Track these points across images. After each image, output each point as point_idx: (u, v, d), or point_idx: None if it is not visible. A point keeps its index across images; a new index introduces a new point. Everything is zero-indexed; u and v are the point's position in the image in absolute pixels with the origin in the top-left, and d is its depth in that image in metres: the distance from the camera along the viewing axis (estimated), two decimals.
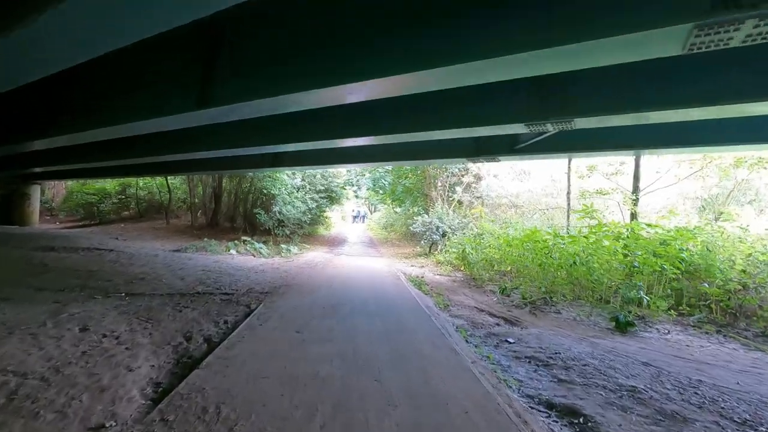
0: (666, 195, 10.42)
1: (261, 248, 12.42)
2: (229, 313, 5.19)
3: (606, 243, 6.92)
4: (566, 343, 4.70)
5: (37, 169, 13.52)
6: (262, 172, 12.91)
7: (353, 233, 23.21)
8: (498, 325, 5.62)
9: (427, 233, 12.21)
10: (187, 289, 6.54)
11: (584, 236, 7.20)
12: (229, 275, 7.99)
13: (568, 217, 10.35)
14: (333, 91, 3.44)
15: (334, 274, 8.54)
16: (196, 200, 20.71)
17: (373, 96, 3.99)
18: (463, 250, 8.81)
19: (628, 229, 7.51)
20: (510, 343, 4.71)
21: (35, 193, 20.68)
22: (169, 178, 23.42)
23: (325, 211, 17.88)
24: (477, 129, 5.29)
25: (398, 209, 25.75)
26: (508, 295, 7.07)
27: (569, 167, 10.50)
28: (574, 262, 6.63)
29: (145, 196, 24.74)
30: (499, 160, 8.50)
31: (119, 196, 24.07)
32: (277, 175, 14.24)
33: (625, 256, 6.87)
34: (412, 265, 10.51)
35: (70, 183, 25.40)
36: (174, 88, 4.19)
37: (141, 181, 24.12)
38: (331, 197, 16.56)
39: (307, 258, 11.63)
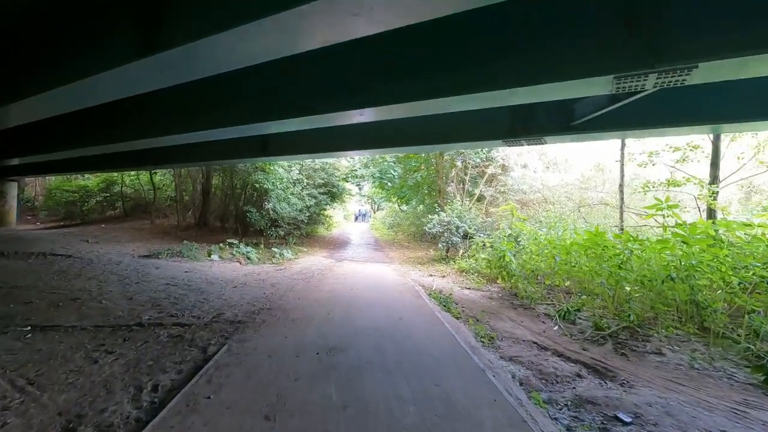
0: (745, 185, 8.46)
1: (249, 252, 10.56)
2: (170, 366, 3.33)
3: (696, 250, 5.01)
4: (719, 422, 2.82)
5: (14, 161, 11.71)
6: (252, 162, 11.04)
7: (356, 234, 21.33)
8: (580, 376, 3.71)
9: (445, 234, 10.32)
10: (129, 317, 4.68)
11: (671, 241, 5.28)
12: (197, 292, 6.12)
13: (622, 215, 8.42)
14: None
15: (334, 290, 6.65)
16: (185, 198, 18.91)
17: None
18: (501, 257, 6.90)
19: (719, 230, 5.59)
20: (626, 423, 2.82)
21: (11, 190, 18.94)
22: (154, 174, 21.68)
23: (325, 209, 16.02)
24: (525, 92, 3.61)
25: (404, 207, 23.87)
26: (573, 322, 5.16)
27: (623, 153, 8.58)
28: (669, 277, 4.71)
29: (132, 194, 23.01)
30: (545, 142, 6.60)
31: (104, 195, 22.35)
32: (271, 167, 12.37)
33: (732, 268, 4.94)
34: (430, 274, 8.62)
35: (51, 181, 23.70)
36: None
37: (127, 179, 22.39)
38: (332, 193, 14.67)
39: (303, 265, 9.76)
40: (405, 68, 4.23)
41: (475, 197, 11.93)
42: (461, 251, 9.94)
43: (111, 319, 4.58)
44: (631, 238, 5.62)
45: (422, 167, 13.79)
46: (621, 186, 8.52)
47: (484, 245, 8.67)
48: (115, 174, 22.09)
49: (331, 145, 7.29)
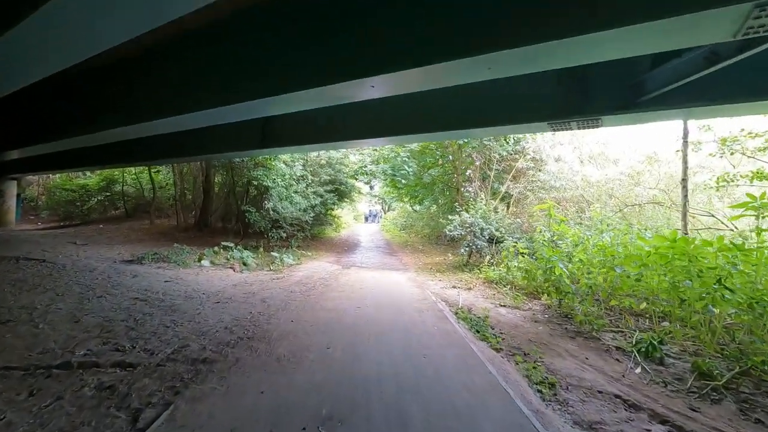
0: None
1: (246, 257, 9.37)
2: None
3: None
4: None
5: (14, 154, 10.78)
6: (250, 155, 9.85)
7: (366, 235, 20.07)
8: None
9: (468, 238, 8.96)
10: (59, 350, 3.48)
11: None
12: (167, 311, 4.92)
13: (685, 216, 6.95)
14: None
15: (338, 309, 5.37)
16: (187, 197, 17.93)
17: None
18: (548, 269, 5.52)
19: None
20: None
21: (10, 189, 18.24)
22: (156, 172, 20.80)
23: (332, 209, 14.79)
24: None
25: (417, 207, 22.52)
26: (660, 361, 3.77)
27: (685, 141, 7.11)
28: None
29: (133, 193, 22.21)
30: (600, 124, 5.25)
31: (105, 194, 21.62)
32: (273, 162, 11.19)
33: None
34: (453, 286, 7.27)
35: (54, 180, 23.07)
36: None
37: (128, 177, 21.61)
38: (340, 191, 13.42)
39: (305, 272, 8.52)
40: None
41: (500, 195, 10.54)
42: (487, 257, 8.56)
43: (34, 354, 3.38)
44: (732, 246, 4.20)
45: (439, 162, 12.45)
46: (684, 181, 7.04)
47: (517, 252, 7.30)
48: (116, 172, 21.35)
49: (338, 132, 6.03)
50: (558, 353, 4.05)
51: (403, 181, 11.47)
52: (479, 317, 5.12)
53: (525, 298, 6.14)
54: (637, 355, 3.87)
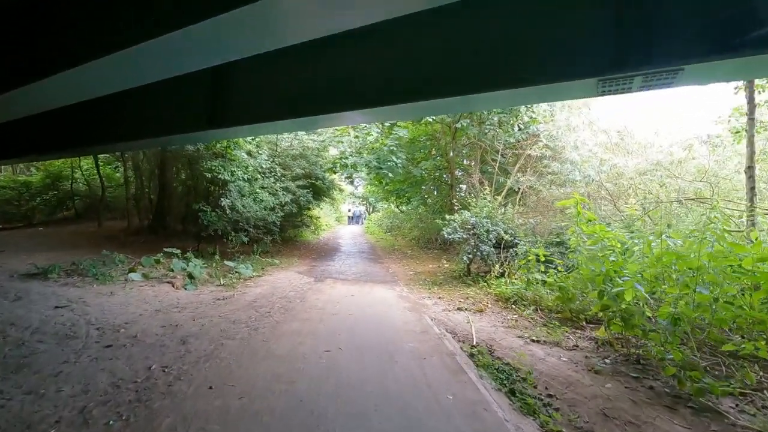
0: None
1: (195, 268, 7.38)
2: None
3: None
4: None
5: None
6: (197, 140, 7.81)
7: (348, 238, 18.16)
8: None
9: (472, 242, 7.24)
10: None
11: None
12: (6, 369, 2.97)
13: (752, 213, 5.40)
14: None
15: (294, 357, 3.53)
16: (149, 194, 15.70)
17: None
18: (608, 291, 3.76)
19: None
20: None
21: None
22: (112, 168, 18.46)
23: (309, 208, 12.88)
24: None
25: (403, 207, 20.80)
26: None
27: (752, 118, 5.59)
28: None
29: (86, 192, 19.69)
30: (675, 81, 3.54)
31: (52, 192, 19.07)
32: (233, 152, 9.22)
33: None
34: (457, 307, 5.50)
35: None
36: None
37: (80, 173, 19.10)
38: (316, 188, 11.52)
39: (265, 288, 6.62)
40: None
41: (505, 190, 8.89)
42: (496, 266, 6.85)
43: None
44: None
45: (432, 152, 10.75)
46: (750, 169, 5.52)
47: (539, 260, 5.60)
48: (65, 168, 18.86)
49: (310, 101, 4.15)
50: None
51: (390, 175, 9.70)
52: (510, 366, 3.37)
53: (560, 325, 4.43)
54: None
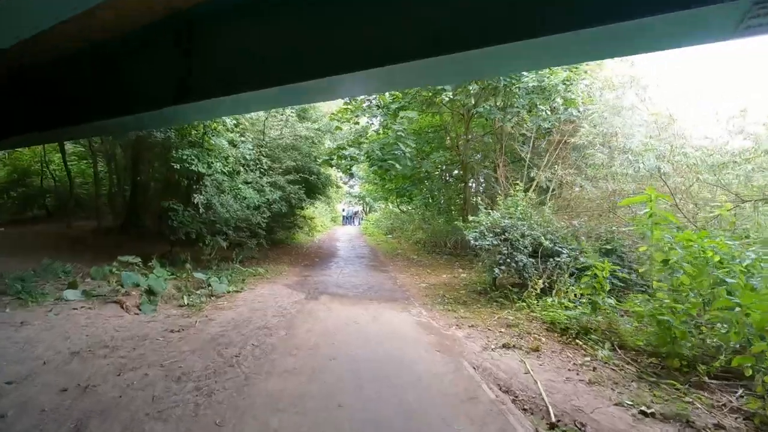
0: None
1: (157, 282, 5.83)
2: None
3: None
4: None
5: None
6: (167, 117, 6.27)
7: (345, 241, 16.61)
8: None
9: (504, 251, 5.76)
10: None
11: None
12: None
13: None
14: None
15: None
16: (110, 188, 14.11)
17: None
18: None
19: None
20: None
21: None
22: (86, 163, 16.81)
23: (302, 208, 11.36)
24: None
25: (404, 207, 19.31)
26: None
27: None
28: None
29: (58, 188, 18.00)
30: None
31: (20, 189, 17.42)
32: (209, 138, 7.66)
33: None
34: (504, 344, 4.01)
35: None
36: None
37: (53, 168, 17.39)
38: (309, 184, 10.01)
39: (240, 310, 5.09)
40: None
41: (533, 186, 7.42)
42: (538, 281, 5.38)
43: None
44: None
45: (447, 140, 9.24)
46: None
47: (610, 279, 4.15)
48: (34, 162, 17.20)
49: (300, 65, 2.65)
50: None
51: (398, 166, 8.17)
52: None
53: (664, 377, 2.97)
54: None
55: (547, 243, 5.79)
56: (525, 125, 7.36)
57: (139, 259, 6.60)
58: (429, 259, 10.77)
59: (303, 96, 2.82)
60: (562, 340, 4.04)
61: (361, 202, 35.47)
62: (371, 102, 8.73)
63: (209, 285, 5.87)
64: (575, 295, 4.86)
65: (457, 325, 4.62)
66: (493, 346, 3.89)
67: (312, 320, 4.67)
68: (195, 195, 7.00)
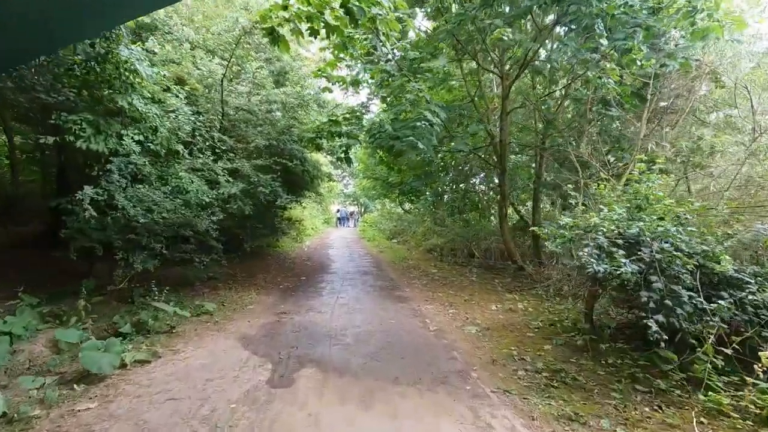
0: None
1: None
2: None
3: None
4: None
5: None
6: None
7: (341, 247, 13.65)
8: None
9: (652, 281, 3.03)
10: None
11: None
12: None
13: None
14: None
15: None
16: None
17: None
18: None
19: None
20: None
21: None
22: None
23: (283, 207, 8.47)
24: None
25: (408, 206, 16.51)
26: None
27: None
28: None
29: None
30: None
31: None
32: (128, 75, 4.70)
33: None
34: None
35: None
36: None
37: None
38: (290, 173, 7.16)
39: None
40: None
41: (631, 167, 4.73)
42: (712, 336, 2.63)
43: None
44: None
45: (482, 106, 6.36)
46: None
47: None
48: None
49: None
50: None
51: (420, 145, 5.19)
52: None
53: None
54: None
55: (724, 266, 3.04)
56: (633, 67, 4.57)
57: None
58: (453, 273, 7.99)
59: None
60: None
61: (356, 202, 32.34)
62: (378, 50, 5.87)
63: (81, 354, 3.00)
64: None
65: None
66: None
67: None
68: (86, 187, 4.11)
